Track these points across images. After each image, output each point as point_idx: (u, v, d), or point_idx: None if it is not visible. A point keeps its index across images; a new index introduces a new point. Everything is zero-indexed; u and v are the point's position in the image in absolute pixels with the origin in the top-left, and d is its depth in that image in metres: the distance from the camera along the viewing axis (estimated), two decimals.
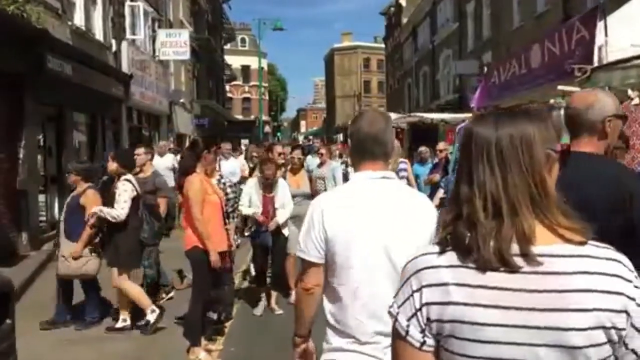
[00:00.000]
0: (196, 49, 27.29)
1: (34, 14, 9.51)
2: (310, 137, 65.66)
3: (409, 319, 1.15)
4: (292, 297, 6.26)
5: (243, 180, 9.52)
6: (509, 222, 1.09)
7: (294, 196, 6.33)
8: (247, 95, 58.33)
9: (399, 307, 1.17)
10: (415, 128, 12.61)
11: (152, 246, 6.05)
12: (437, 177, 8.09)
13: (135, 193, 5.46)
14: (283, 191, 6.15)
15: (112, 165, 5.63)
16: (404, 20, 40.59)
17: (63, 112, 11.67)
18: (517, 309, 1.06)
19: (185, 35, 20.15)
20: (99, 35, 14.08)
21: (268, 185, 6.11)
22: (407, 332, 1.15)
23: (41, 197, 10.39)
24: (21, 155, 9.53)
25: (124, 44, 15.91)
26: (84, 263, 5.57)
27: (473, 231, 1.11)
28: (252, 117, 51.66)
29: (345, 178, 7.46)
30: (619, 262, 1.09)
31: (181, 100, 24.41)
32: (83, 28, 12.81)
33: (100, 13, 14.23)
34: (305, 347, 2.25)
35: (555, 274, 1.06)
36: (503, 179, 1.11)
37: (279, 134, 70.17)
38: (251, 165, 9.70)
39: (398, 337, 1.18)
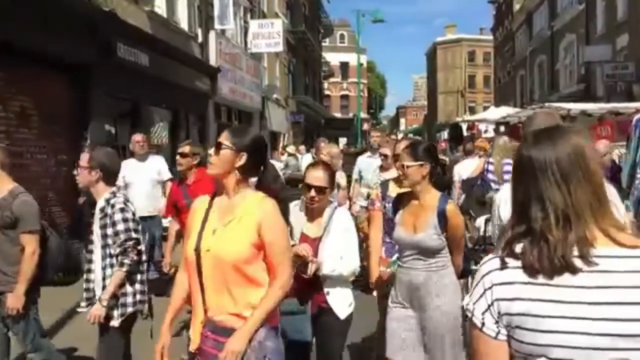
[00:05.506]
0: (292, 42, 26.10)
1: None
2: (410, 135, 63.19)
3: (483, 313, 1.29)
4: None
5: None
6: (575, 231, 1.24)
7: (405, 249, 3.13)
8: (346, 92, 56.81)
9: (474, 303, 1.32)
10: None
11: None
12: None
13: None
14: (339, 231, 3.15)
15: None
16: (516, 7, 37.61)
17: (138, 106, 10.59)
18: (577, 303, 1.20)
19: (278, 26, 18.87)
20: (183, 23, 13.00)
21: (312, 216, 3.23)
22: (483, 324, 1.29)
23: None
24: None
25: (212, 35, 14.82)
26: None
27: (544, 243, 1.23)
28: (351, 115, 50.16)
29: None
30: None
31: (275, 96, 23.23)
32: (163, 15, 11.70)
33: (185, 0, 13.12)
34: None
35: (610, 272, 1.20)
36: (568, 193, 1.25)
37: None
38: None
39: (475, 328, 1.32)
